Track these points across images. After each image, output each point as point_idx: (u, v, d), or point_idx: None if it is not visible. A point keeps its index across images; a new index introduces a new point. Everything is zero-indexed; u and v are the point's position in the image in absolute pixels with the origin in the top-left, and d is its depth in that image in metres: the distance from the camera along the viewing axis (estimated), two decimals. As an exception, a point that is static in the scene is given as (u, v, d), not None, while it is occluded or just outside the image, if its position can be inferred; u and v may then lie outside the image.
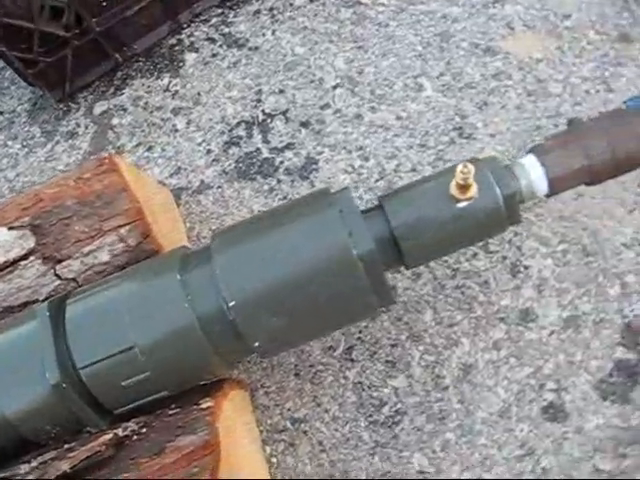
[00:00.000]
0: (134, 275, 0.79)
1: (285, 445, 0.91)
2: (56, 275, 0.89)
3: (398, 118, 1.06)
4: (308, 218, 0.76)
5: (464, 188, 0.75)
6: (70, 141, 1.22)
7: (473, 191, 0.75)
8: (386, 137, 1.05)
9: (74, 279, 0.89)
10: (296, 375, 0.94)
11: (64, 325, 0.78)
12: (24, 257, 0.89)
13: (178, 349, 0.75)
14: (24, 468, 0.80)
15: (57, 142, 1.23)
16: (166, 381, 0.77)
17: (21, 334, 0.80)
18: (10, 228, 0.89)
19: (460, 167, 0.72)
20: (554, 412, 0.86)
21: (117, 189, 0.88)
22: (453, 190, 0.75)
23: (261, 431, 0.92)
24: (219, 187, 1.08)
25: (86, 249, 0.88)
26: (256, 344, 0.76)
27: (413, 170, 1.02)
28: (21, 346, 0.79)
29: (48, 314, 0.78)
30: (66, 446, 0.80)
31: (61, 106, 1.26)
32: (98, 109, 1.23)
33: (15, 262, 0.89)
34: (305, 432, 0.91)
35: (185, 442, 0.74)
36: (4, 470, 0.81)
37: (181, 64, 1.22)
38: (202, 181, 1.09)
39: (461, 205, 0.75)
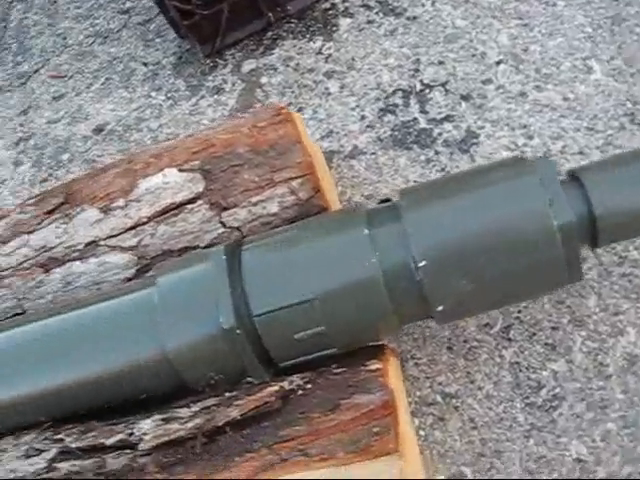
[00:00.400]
0: (315, 227, 0.77)
1: (434, 419, 0.88)
2: (221, 222, 0.88)
3: (565, 99, 1.03)
4: (506, 183, 0.73)
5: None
6: (216, 96, 1.21)
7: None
8: (552, 117, 1.02)
9: (238, 228, 0.88)
10: (449, 349, 0.91)
11: (240, 271, 0.76)
12: (191, 201, 0.88)
13: (358, 304, 0.73)
14: (184, 412, 0.79)
15: (202, 97, 1.22)
16: (339, 337, 0.76)
17: (191, 276, 0.79)
18: (180, 170, 0.88)
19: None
20: None
21: (291, 140, 0.87)
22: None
23: (410, 403, 0.90)
24: (373, 153, 1.06)
25: (255, 199, 0.87)
26: (439, 308, 0.73)
27: (580, 153, 0.98)
28: (191, 289, 0.78)
29: (224, 257, 0.77)
30: (227, 394, 0.79)
31: (208, 61, 1.25)
32: (246, 67, 1.22)
33: (181, 205, 0.88)
34: (456, 408, 0.88)
35: (362, 400, 0.72)
36: (159, 412, 0.81)
37: (334, 28, 1.20)
38: (355, 146, 1.07)
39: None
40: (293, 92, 1.16)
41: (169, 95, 1.25)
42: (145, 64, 1.30)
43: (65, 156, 1.27)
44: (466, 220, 0.72)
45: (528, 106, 1.04)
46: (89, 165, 1.24)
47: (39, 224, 0.94)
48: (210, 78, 1.23)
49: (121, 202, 0.89)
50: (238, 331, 0.74)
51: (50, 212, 0.93)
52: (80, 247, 0.91)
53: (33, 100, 1.37)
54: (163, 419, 0.78)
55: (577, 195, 0.73)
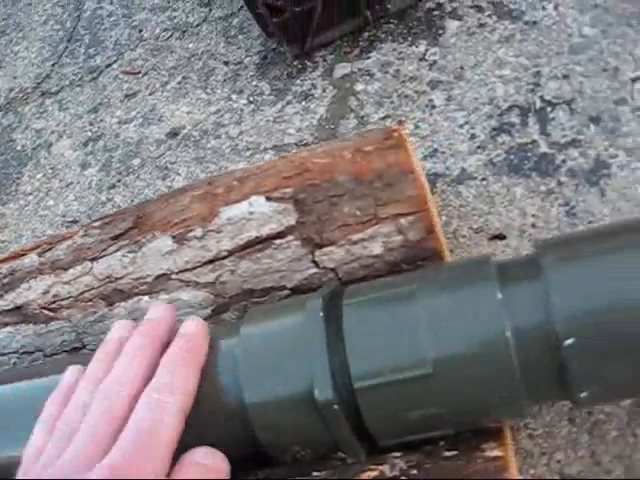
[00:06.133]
0: (434, 282, 0.64)
1: (552, 505, 0.75)
2: (314, 262, 0.76)
3: None
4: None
5: None
6: (304, 103, 1.09)
7: None
8: (701, 149, 0.87)
9: (334, 270, 0.76)
10: (570, 421, 0.77)
11: (341, 331, 0.64)
12: (280, 235, 0.76)
13: (483, 384, 0.60)
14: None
15: (289, 102, 1.10)
16: (458, 419, 0.63)
17: (281, 332, 0.67)
18: (269, 198, 0.76)
19: None
20: None
21: (402, 170, 0.74)
22: None
23: (522, 482, 0.77)
24: (484, 179, 0.92)
25: (355, 237, 0.74)
26: (582, 395, 0.60)
27: None
28: (280, 348, 0.66)
29: (322, 314, 0.65)
30: (315, 474, 0.67)
31: (295, 63, 1.13)
32: (339, 71, 1.09)
33: (268, 239, 0.76)
34: (580, 494, 0.75)
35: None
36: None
37: (440, 32, 1.06)
38: (463, 169, 0.94)
39: None
40: (392, 102, 1.03)
41: (251, 99, 1.13)
42: (226, 63, 1.19)
43: (136, 161, 1.17)
44: (628, 289, 0.58)
45: (672, 133, 0.88)
46: (161, 172, 1.13)
47: (104, 250, 0.83)
48: (298, 82, 1.11)
49: (198, 232, 0.78)
50: (335, 407, 0.62)
51: (117, 237, 0.82)
52: (149, 280, 0.80)
53: (104, 97, 1.27)
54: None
55: None
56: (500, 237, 0.88)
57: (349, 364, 0.63)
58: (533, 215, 0.88)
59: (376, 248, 0.74)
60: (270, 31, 1.11)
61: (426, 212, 0.73)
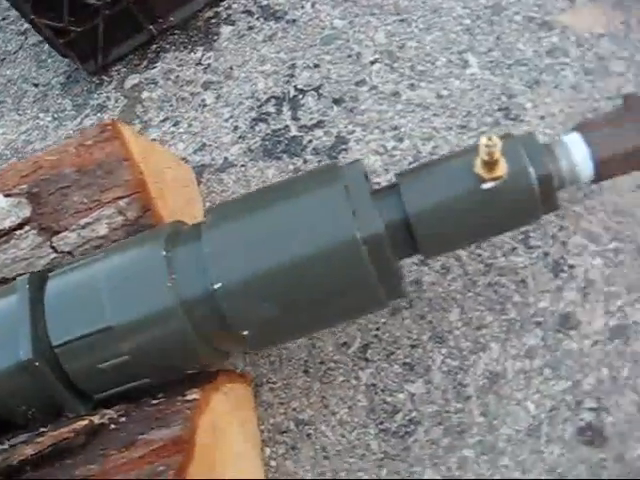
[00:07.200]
0: (118, 249, 0.72)
1: (286, 448, 0.82)
2: (52, 247, 0.83)
3: (438, 97, 0.96)
4: (310, 194, 0.67)
5: (490, 166, 0.64)
6: (99, 114, 1.17)
7: (501, 170, 0.65)
8: (424, 117, 0.95)
9: (70, 252, 0.83)
10: (305, 372, 0.85)
11: (43, 300, 0.71)
12: (19, 226, 0.83)
13: (158, 333, 0.68)
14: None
15: (87, 115, 1.18)
16: (147, 367, 0.70)
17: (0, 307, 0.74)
18: (7, 195, 0.83)
19: (484, 140, 0.62)
20: (592, 435, 0.74)
21: (118, 158, 0.82)
22: (478, 168, 0.65)
23: (262, 431, 0.84)
24: (243, 165, 1.00)
25: (83, 221, 0.82)
26: (245, 333, 0.67)
27: (451, 154, 0.92)
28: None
29: (27, 287, 0.72)
30: (40, 429, 0.74)
31: (94, 79, 1.21)
32: (129, 82, 1.17)
33: (10, 231, 0.83)
34: (309, 435, 0.82)
35: (156, 436, 0.66)
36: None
37: (216, 37, 1.15)
38: (226, 159, 1.02)
39: (487, 186, 0.65)
40: (171, 106, 1.11)
41: (55, 116, 1.20)
42: (36, 85, 1.26)
43: (-44, 184, 1.23)
44: (266, 238, 0.66)
45: (400, 106, 0.97)
46: (-23, 192, 1.20)
47: None
48: (95, 96, 1.19)
49: (-47, 230, 0.85)
50: (37, 363, 0.69)
51: None
52: None
53: None
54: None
55: (391, 202, 0.67)
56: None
57: (48, 326, 0.70)
58: (282, 192, 0.96)
59: (102, 229, 0.82)
60: (62, 52, 1.19)
61: (142, 193, 0.81)
